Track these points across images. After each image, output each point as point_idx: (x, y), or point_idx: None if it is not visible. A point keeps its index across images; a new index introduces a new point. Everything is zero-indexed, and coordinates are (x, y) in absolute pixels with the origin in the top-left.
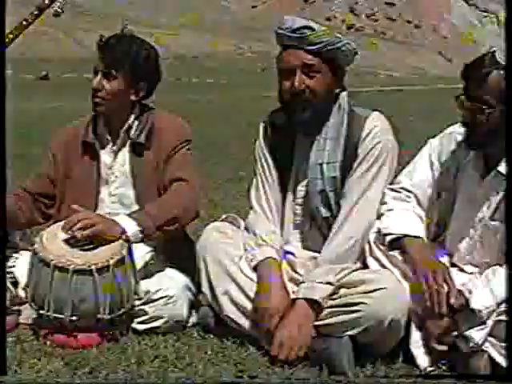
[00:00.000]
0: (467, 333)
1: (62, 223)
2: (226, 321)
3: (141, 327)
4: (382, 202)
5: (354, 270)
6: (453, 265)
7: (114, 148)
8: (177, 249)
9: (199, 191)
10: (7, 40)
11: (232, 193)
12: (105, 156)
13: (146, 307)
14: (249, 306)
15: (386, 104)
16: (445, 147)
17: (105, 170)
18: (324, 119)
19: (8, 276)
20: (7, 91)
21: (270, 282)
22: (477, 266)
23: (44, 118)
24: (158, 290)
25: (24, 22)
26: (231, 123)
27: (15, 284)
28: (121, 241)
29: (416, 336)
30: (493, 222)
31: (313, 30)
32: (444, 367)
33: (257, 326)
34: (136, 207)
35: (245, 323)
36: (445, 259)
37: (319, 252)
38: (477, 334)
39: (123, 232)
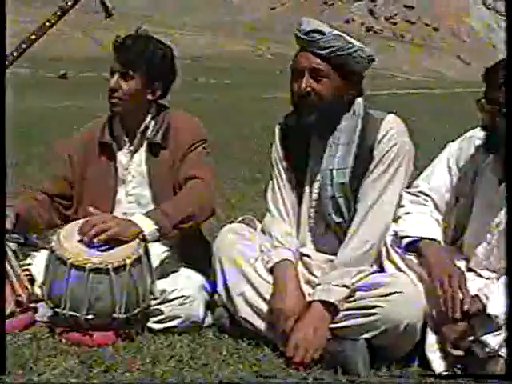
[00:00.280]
0: (483, 338)
1: (79, 222)
2: (241, 322)
3: (156, 327)
4: (400, 205)
5: (370, 273)
6: (470, 269)
7: (131, 148)
8: (193, 249)
9: (214, 189)
10: (29, 41)
11: (249, 194)
12: (121, 156)
13: (161, 307)
14: (264, 307)
15: (402, 106)
16: (463, 151)
17: (121, 170)
18: (334, 123)
19: (25, 274)
20: (26, 89)
21: (285, 283)
22: (494, 271)
23: (61, 116)
24: (173, 290)
25: (47, 23)
26: (248, 124)
27: (32, 282)
28: (137, 240)
29: (432, 340)
30: None
31: (323, 34)
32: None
33: (272, 327)
34: (152, 207)
35: (260, 325)
36: (462, 264)
37: (335, 255)
38: (493, 340)
39: (140, 231)
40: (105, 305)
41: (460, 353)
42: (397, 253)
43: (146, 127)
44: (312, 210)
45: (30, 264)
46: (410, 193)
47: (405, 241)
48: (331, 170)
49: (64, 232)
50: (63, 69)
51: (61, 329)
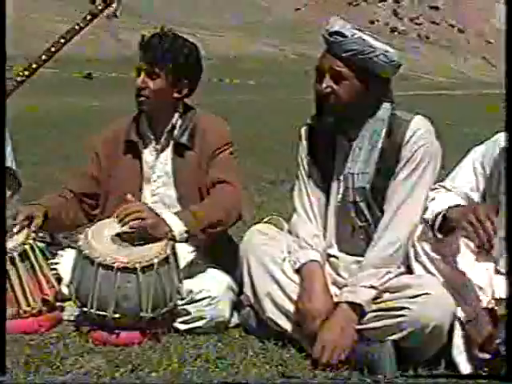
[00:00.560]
0: None
1: (107, 221)
2: (267, 322)
3: (183, 327)
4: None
5: (398, 275)
6: (498, 271)
7: (157, 147)
8: (220, 249)
9: (242, 194)
10: (59, 44)
11: (274, 195)
12: (147, 155)
13: (188, 307)
14: (291, 308)
15: (427, 108)
16: (489, 153)
17: (147, 168)
18: (359, 126)
19: (52, 273)
20: (51, 90)
21: (312, 284)
22: None
23: (86, 116)
24: (200, 290)
25: (76, 27)
26: (272, 125)
27: (59, 281)
28: (165, 240)
29: (459, 342)
30: None
31: (344, 36)
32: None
33: (299, 328)
34: (177, 207)
35: (287, 325)
36: (491, 265)
37: (362, 256)
38: None
39: (170, 230)
40: (132, 304)
41: (487, 356)
42: (425, 254)
43: (173, 126)
44: (337, 211)
45: (57, 263)
46: (433, 189)
47: (433, 221)
48: (352, 174)
49: (92, 231)
50: (88, 69)
51: (87, 328)
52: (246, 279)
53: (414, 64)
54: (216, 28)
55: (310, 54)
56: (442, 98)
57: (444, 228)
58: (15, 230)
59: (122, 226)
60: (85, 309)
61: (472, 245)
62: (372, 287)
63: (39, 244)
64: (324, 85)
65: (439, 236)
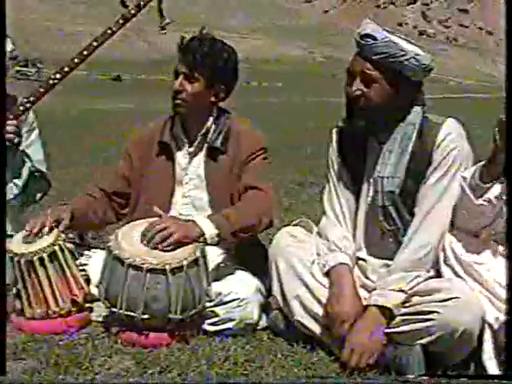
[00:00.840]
0: None
1: (137, 222)
2: (296, 325)
3: (211, 329)
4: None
5: (427, 278)
6: None
7: (190, 150)
8: (249, 252)
9: (274, 201)
10: (91, 47)
11: (302, 198)
12: (180, 157)
13: (216, 309)
14: (320, 311)
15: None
16: None
17: (179, 171)
18: (390, 129)
19: (81, 273)
20: (80, 92)
21: (342, 287)
22: None
23: (115, 118)
24: (229, 293)
25: (109, 31)
26: (300, 128)
27: (88, 281)
28: (196, 242)
29: (488, 347)
30: None
31: (375, 39)
32: None
33: (328, 331)
34: (208, 210)
35: (315, 328)
36: None
37: (391, 259)
38: None
39: (201, 233)
40: (161, 305)
41: None
42: (455, 257)
43: (208, 130)
44: (367, 214)
45: (86, 264)
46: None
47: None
48: (382, 177)
49: (122, 232)
50: (117, 71)
51: (116, 329)
52: (275, 282)
53: (442, 67)
54: (244, 31)
55: (338, 57)
56: (470, 101)
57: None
58: (45, 231)
59: (152, 248)
60: (114, 310)
61: (501, 248)
62: (401, 291)
63: (68, 245)
64: (354, 87)
65: (482, 185)
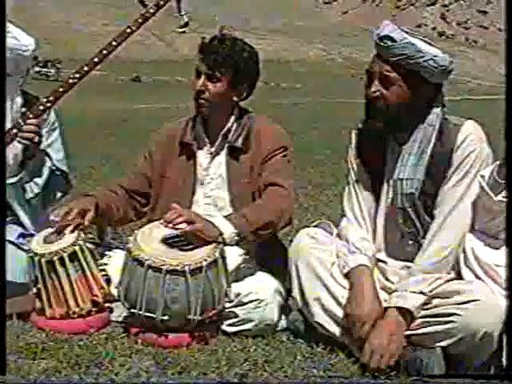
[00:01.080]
0: None
1: (156, 223)
2: (316, 326)
3: (231, 329)
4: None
5: (447, 280)
6: None
7: (212, 150)
8: (268, 252)
9: (294, 198)
10: (110, 47)
11: (321, 199)
12: (201, 157)
13: (236, 310)
14: (340, 312)
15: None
16: None
17: (201, 171)
18: (407, 130)
19: (101, 274)
20: (99, 92)
21: (362, 289)
22: None
23: (134, 118)
24: (248, 293)
25: (128, 30)
26: (319, 129)
27: (108, 282)
28: (214, 243)
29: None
30: None
31: (394, 41)
32: None
33: (347, 333)
34: (229, 210)
35: (335, 330)
36: None
37: (410, 261)
38: None
39: (220, 234)
40: (180, 306)
41: None
42: (475, 259)
43: (229, 130)
44: (386, 216)
45: (106, 264)
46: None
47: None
48: (401, 179)
49: (141, 233)
50: (136, 71)
51: (136, 329)
52: (295, 283)
53: (461, 68)
54: (263, 31)
55: (357, 58)
56: (489, 103)
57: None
58: (70, 228)
59: (171, 228)
60: (133, 310)
61: None
62: (421, 293)
63: (88, 245)
64: (373, 89)
65: (500, 181)
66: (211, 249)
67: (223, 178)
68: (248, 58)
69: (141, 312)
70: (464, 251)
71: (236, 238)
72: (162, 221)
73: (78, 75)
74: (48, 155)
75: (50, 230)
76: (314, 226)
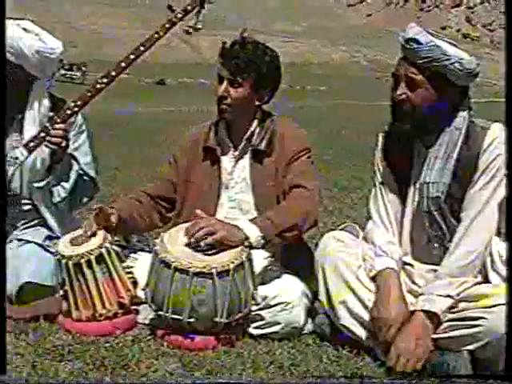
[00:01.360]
0: None
1: (183, 225)
2: (342, 330)
3: (257, 332)
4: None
5: (474, 284)
6: None
7: (236, 154)
8: (294, 255)
9: (318, 199)
10: (138, 52)
11: (346, 202)
12: (225, 161)
13: (262, 312)
14: (366, 316)
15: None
16: None
17: (225, 175)
18: (433, 133)
19: (128, 276)
20: (124, 95)
21: (388, 292)
22: None
23: (159, 121)
24: (275, 296)
25: (155, 35)
26: (344, 131)
27: (134, 284)
28: (241, 246)
29: None
30: None
31: (419, 43)
32: None
33: (374, 336)
34: (254, 213)
35: (361, 333)
36: None
37: (437, 265)
38: None
39: (245, 237)
40: (207, 309)
41: None
42: (502, 262)
43: (252, 133)
44: (413, 219)
45: (132, 266)
46: None
47: None
48: (427, 183)
49: (168, 235)
50: (161, 75)
51: (162, 331)
52: (321, 286)
53: (487, 71)
54: (287, 34)
55: (382, 60)
56: None
57: None
58: (93, 228)
59: (196, 242)
60: (160, 312)
61: None
62: (448, 296)
63: (115, 247)
64: (399, 92)
65: None
66: (238, 252)
67: (247, 181)
68: (270, 61)
69: (167, 314)
70: (491, 255)
71: (262, 240)
72: (187, 226)
73: (105, 80)
74: (75, 158)
75: (76, 232)
76: (340, 229)
